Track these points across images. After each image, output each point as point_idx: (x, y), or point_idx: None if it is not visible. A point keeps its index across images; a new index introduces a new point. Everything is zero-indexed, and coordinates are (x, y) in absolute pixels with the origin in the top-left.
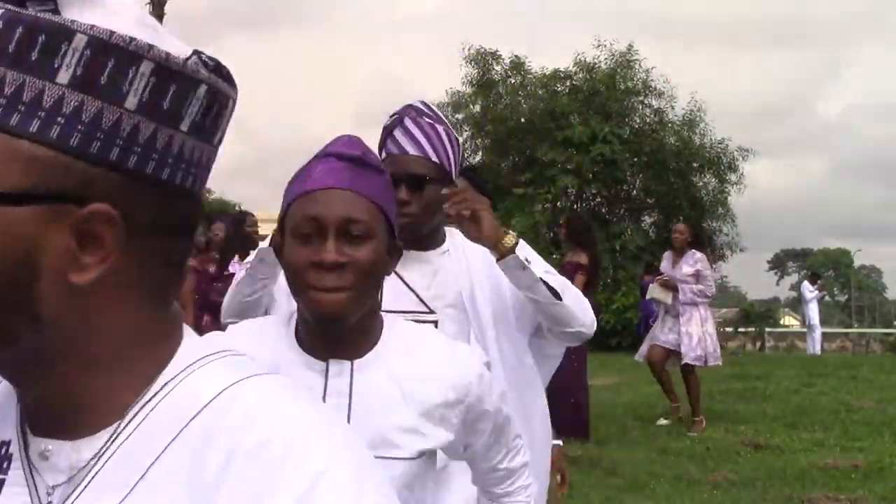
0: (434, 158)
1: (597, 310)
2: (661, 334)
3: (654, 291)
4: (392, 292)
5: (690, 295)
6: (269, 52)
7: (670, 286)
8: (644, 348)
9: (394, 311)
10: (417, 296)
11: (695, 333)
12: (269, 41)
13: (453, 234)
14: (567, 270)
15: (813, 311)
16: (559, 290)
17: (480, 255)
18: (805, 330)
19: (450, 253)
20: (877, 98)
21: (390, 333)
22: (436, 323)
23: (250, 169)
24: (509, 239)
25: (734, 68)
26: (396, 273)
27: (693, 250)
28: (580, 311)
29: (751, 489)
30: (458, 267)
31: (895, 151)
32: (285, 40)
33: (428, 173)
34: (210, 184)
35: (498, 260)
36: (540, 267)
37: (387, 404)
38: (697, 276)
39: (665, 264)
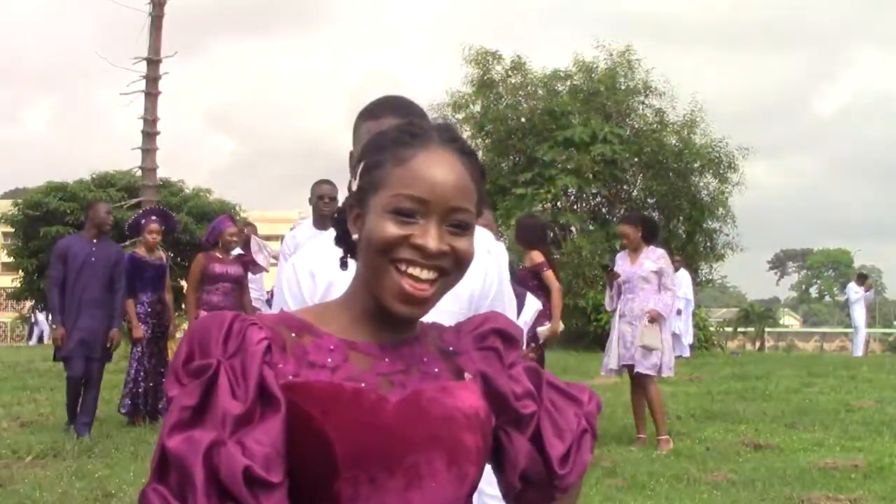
0: None
1: (596, 310)
2: (626, 351)
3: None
4: None
5: (666, 311)
6: (268, 51)
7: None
8: (614, 363)
9: None
10: None
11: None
12: (268, 41)
13: None
14: (526, 276)
15: (858, 312)
16: None
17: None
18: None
19: None
20: (876, 97)
21: None
22: None
23: (250, 169)
24: None
25: (733, 69)
26: None
27: (652, 246)
28: None
29: (751, 489)
30: None
31: (895, 151)
32: (284, 40)
33: None
34: (209, 184)
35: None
36: None
37: None
38: (660, 275)
39: (622, 265)
